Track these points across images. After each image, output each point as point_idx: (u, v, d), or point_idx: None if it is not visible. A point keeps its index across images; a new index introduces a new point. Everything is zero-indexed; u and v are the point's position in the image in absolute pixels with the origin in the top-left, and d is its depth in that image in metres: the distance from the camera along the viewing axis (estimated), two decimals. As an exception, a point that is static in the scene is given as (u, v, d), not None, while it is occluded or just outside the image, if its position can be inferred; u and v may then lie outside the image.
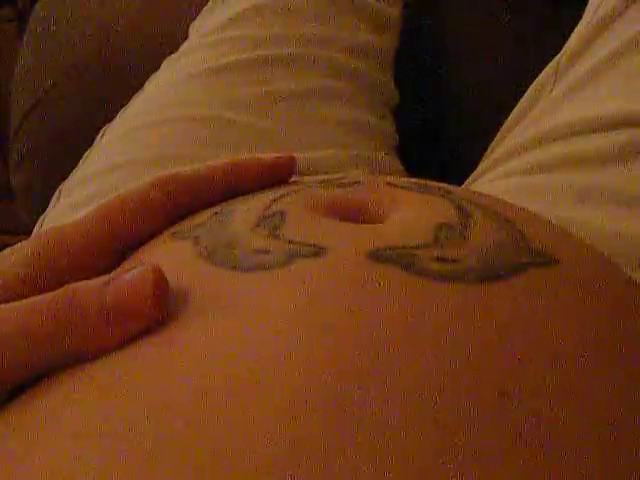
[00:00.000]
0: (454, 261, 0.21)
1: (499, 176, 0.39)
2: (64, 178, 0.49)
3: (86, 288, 0.20)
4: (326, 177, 0.28)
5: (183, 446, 0.16)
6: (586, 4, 0.44)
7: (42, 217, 0.47)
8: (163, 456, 0.16)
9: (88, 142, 0.50)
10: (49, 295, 0.20)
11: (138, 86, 0.52)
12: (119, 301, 0.20)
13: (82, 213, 0.41)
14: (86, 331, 0.19)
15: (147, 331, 0.20)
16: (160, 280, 0.20)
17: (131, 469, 0.16)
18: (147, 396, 0.18)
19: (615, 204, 0.32)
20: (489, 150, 0.45)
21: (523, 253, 0.22)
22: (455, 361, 0.18)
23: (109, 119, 0.50)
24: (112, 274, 0.21)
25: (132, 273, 0.20)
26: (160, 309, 0.20)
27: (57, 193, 0.47)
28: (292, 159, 0.28)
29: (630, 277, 0.25)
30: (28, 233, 0.48)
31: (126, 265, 0.24)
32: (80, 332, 0.19)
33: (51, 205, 0.47)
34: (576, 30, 0.43)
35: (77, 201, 0.44)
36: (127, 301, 0.20)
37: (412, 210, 0.24)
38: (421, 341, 0.18)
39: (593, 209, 0.33)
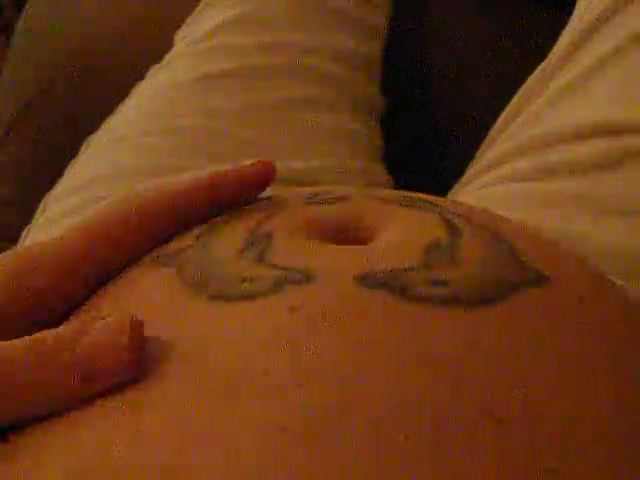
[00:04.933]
0: (446, 284, 0.21)
1: (486, 184, 0.39)
2: (50, 189, 0.48)
3: (57, 338, 0.19)
4: (311, 192, 0.27)
5: None
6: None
7: (27, 228, 0.47)
8: None
9: (73, 152, 0.50)
10: (18, 344, 0.19)
11: (123, 96, 0.52)
12: (91, 356, 0.18)
13: (65, 225, 0.41)
14: (55, 386, 0.19)
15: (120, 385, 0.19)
16: (136, 335, 0.19)
17: None
18: (110, 460, 0.17)
19: (602, 212, 0.32)
20: (476, 157, 0.45)
21: (515, 272, 0.22)
22: (454, 390, 0.18)
23: (94, 129, 0.50)
24: (84, 320, 0.20)
25: (106, 324, 0.19)
26: (135, 366, 0.19)
27: (42, 204, 0.47)
28: (270, 164, 0.27)
29: (622, 289, 0.25)
30: (14, 241, 0.48)
31: (103, 297, 0.23)
32: (49, 386, 0.18)
33: (36, 216, 0.47)
34: (563, 34, 0.43)
35: (62, 212, 0.44)
36: (100, 357, 0.19)
37: (401, 228, 0.24)
38: (417, 370, 0.18)
39: (581, 217, 0.33)
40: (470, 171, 0.43)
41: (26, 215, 0.48)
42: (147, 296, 0.21)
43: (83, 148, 0.50)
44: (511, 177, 0.38)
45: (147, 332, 0.20)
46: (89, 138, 0.50)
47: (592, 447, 0.17)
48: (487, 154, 0.42)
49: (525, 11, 0.58)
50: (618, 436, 0.18)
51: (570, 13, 0.44)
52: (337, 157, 0.47)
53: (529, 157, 0.37)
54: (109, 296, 0.23)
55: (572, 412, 0.18)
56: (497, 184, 0.38)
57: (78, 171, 0.47)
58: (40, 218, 0.46)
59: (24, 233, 0.47)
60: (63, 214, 0.44)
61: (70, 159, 0.49)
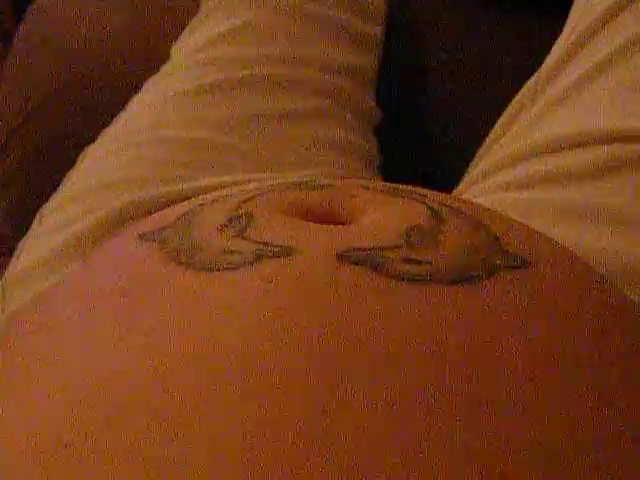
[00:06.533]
0: (425, 263, 0.21)
1: (480, 193, 0.39)
2: (46, 200, 0.48)
3: None
4: (297, 179, 0.28)
5: None
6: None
7: (23, 240, 0.47)
8: None
9: (70, 164, 0.50)
10: None
11: (120, 108, 0.52)
12: None
13: (62, 236, 0.41)
14: None
15: None
16: None
17: None
18: None
19: (596, 220, 0.32)
20: (470, 167, 0.45)
21: (496, 256, 0.22)
22: (426, 367, 0.18)
23: (91, 141, 0.50)
24: None
25: None
26: None
27: (38, 216, 0.47)
28: None
29: (610, 281, 0.25)
30: (10, 254, 0.48)
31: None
32: None
33: (32, 228, 0.47)
34: (555, 46, 0.43)
35: (58, 224, 0.44)
36: None
37: (383, 212, 0.24)
38: (391, 345, 0.18)
39: (574, 225, 0.33)
40: (463, 181, 0.43)
41: (23, 227, 0.48)
42: (129, 269, 0.21)
43: (80, 159, 0.50)
44: (503, 187, 0.38)
45: (131, 302, 0.20)
46: (86, 149, 0.50)
47: (571, 437, 0.17)
48: (481, 164, 0.42)
49: (524, 14, 0.58)
50: (597, 426, 0.18)
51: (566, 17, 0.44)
52: (332, 167, 0.47)
53: (520, 167, 0.38)
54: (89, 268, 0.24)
55: (547, 399, 0.18)
56: (489, 194, 0.38)
57: (75, 182, 0.47)
58: (36, 230, 0.46)
59: (20, 245, 0.47)
60: (60, 225, 0.44)
61: (68, 170, 0.49)
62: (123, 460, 0.16)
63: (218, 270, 0.21)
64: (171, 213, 0.25)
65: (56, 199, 0.47)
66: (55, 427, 0.17)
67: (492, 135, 0.44)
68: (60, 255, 0.41)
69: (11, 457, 0.17)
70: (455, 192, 0.43)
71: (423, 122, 0.60)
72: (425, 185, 0.42)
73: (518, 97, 0.43)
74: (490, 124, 0.45)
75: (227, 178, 0.42)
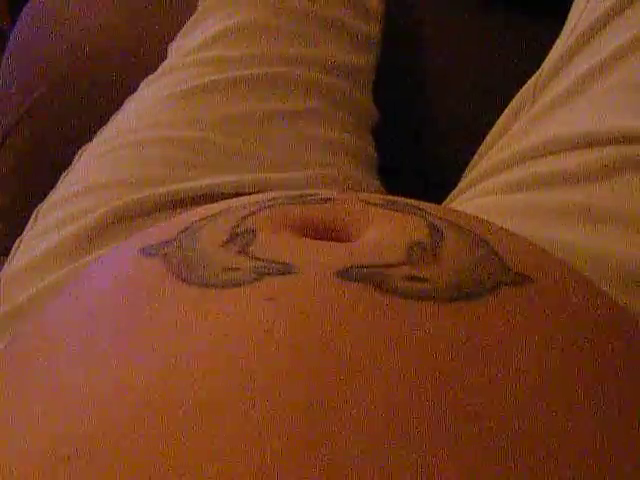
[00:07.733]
0: (426, 280, 0.21)
1: (478, 194, 0.39)
2: (42, 199, 0.48)
3: None
4: (298, 193, 0.28)
5: None
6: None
7: (19, 239, 0.47)
8: None
9: (67, 163, 0.50)
10: None
11: (116, 106, 0.52)
12: None
13: (58, 236, 0.41)
14: None
15: None
16: None
17: None
18: None
19: (595, 222, 0.32)
20: (469, 168, 0.45)
21: (497, 272, 0.22)
22: (427, 382, 0.18)
23: (87, 140, 0.50)
24: None
25: None
26: None
27: (34, 215, 0.47)
28: None
29: (609, 296, 0.25)
30: (6, 254, 0.48)
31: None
32: None
33: (28, 227, 0.47)
34: (554, 47, 0.43)
35: (54, 223, 0.44)
36: None
37: (384, 228, 0.24)
38: (392, 362, 0.18)
39: (574, 227, 0.33)
40: (461, 183, 0.43)
41: (19, 226, 0.48)
42: (131, 283, 0.21)
43: (77, 158, 0.49)
44: (501, 189, 0.38)
45: (133, 318, 0.20)
46: (83, 148, 0.50)
47: (567, 460, 0.17)
48: (478, 167, 0.42)
49: (524, 14, 0.58)
50: (597, 448, 0.18)
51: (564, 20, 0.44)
52: (330, 167, 0.47)
53: (518, 169, 0.37)
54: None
55: (543, 422, 0.18)
56: (487, 195, 0.38)
57: (72, 181, 0.47)
58: (32, 228, 0.46)
59: (16, 244, 0.47)
60: (56, 225, 0.44)
61: (64, 169, 0.49)
62: (124, 473, 0.16)
63: (220, 287, 0.21)
64: (173, 226, 0.26)
65: (52, 198, 0.47)
66: (57, 441, 0.17)
67: (491, 136, 0.44)
68: (56, 255, 0.41)
69: (17, 470, 0.17)
70: (453, 194, 0.43)
71: (421, 123, 0.59)
72: (423, 186, 0.41)
73: (517, 98, 0.43)
74: (489, 125, 0.44)
75: (225, 178, 0.42)
